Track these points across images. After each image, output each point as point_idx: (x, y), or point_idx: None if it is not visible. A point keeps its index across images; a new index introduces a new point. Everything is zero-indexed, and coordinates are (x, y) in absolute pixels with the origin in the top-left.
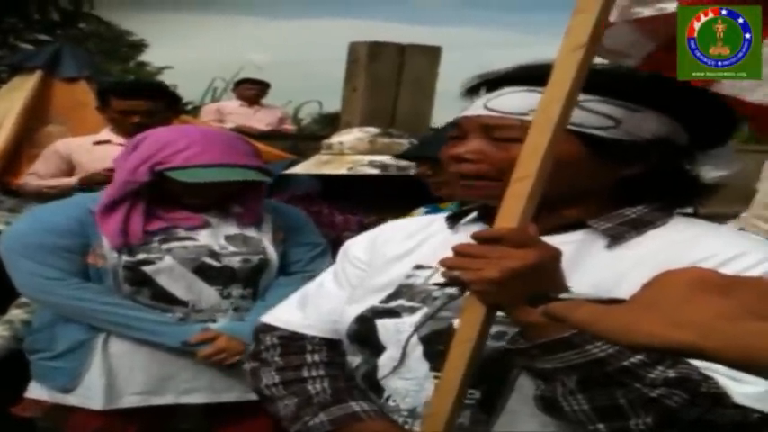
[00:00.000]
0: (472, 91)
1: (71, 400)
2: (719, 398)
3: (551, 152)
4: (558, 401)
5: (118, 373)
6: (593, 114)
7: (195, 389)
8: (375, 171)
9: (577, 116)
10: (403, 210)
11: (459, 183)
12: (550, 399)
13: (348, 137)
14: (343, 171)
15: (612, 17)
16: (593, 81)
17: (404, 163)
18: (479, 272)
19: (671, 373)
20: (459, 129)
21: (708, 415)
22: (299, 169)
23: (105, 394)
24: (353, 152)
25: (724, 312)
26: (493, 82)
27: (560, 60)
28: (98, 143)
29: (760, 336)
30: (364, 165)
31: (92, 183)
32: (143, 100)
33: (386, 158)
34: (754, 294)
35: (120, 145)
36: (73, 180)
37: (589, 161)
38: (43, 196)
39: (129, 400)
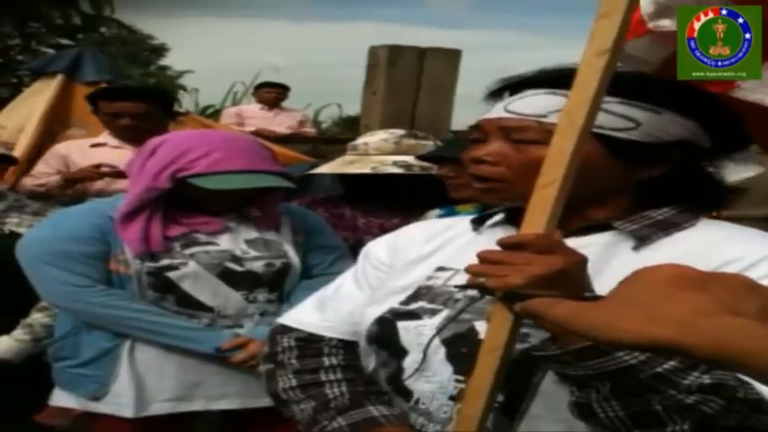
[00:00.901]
0: (495, 94)
1: (102, 408)
2: (757, 403)
3: (576, 157)
4: (593, 408)
5: (147, 380)
6: (613, 116)
7: (226, 394)
8: (399, 170)
9: (597, 118)
10: (426, 212)
11: (476, 185)
12: (585, 405)
13: (373, 138)
14: (367, 170)
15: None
16: (613, 82)
17: (428, 163)
18: (505, 278)
19: (706, 379)
20: (479, 131)
21: (746, 421)
22: (325, 169)
23: (136, 402)
24: (378, 153)
25: (701, 309)
26: (515, 85)
27: (584, 65)
28: (94, 146)
29: (735, 332)
30: (388, 164)
31: (76, 179)
32: (131, 102)
33: (410, 159)
34: (729, 290)
35: (116, 148)
36: (57, 177)
37: (609, 163)
38: (35, 196)
39: (160, 407)
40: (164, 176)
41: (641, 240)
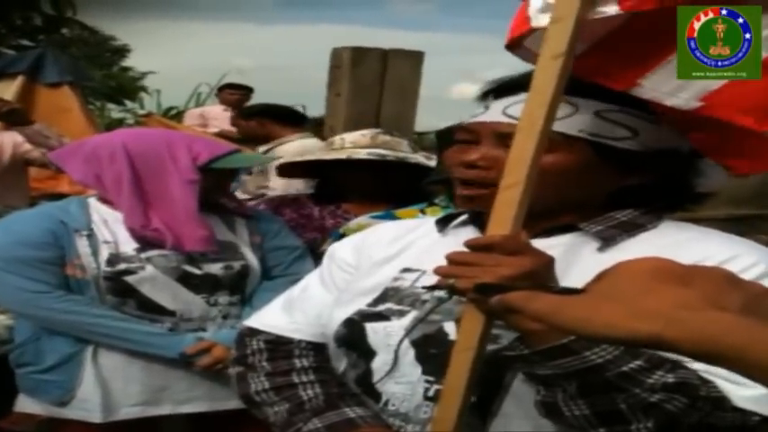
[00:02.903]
0: (483, 96)
1: (68, 413)
2: (719, 401)
3: (538, 158)
4: (559, 407)
5: (113, 384)
6: (612, 124)
7: (192, 398)
8: (372, 157)
9: (598, 126)
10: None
11: (463, 191)
12: (551, 404)
13: (351, 134)
14: (342, 156)
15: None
16: (613, 91)
17: (402, 154)
18: (474, 280)
19: (670, 378)
20: (469, 133)
21: (708, 419)
22: (301, 158)
23: (103, 407)
24: (354, 146)
25: (685, 302)
26: (507, 87)
27: (540, 68)
28: None
29: (722, 326)
30: (362, 155)
31: None
32: None
33: (383, 151)
34: (712, 284)
35: None
36: None
37: (597, 170)
38: None
39: (128, 412)
40: (191, 169)
41: (606, 241)
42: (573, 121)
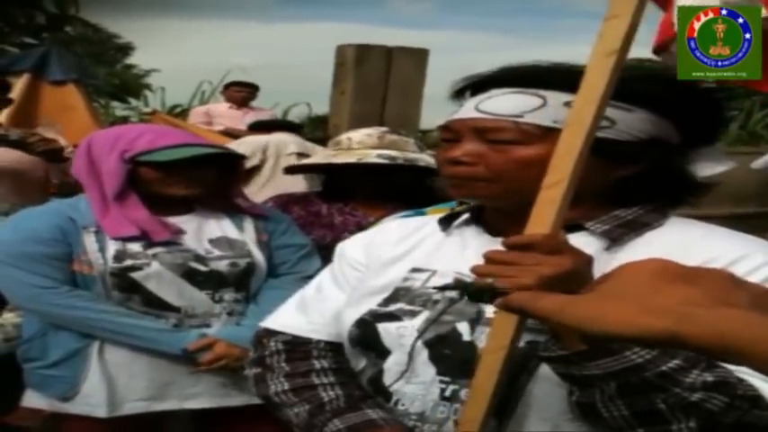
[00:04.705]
0: (459, 93)
1: (72, 408)
2: (756, 400)
3: (583, 156)
4: (597, 408)
5: (118, 380)
6: None
7: (198, 394)
8: (383, 161)
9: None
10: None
11: (452, 184)
12: (588, 405)
13: (357, 133)
14: (352, 160)
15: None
16: (578, 82)
17: (411, 155)
18: (514, 279)
19: (708, 377)
20: (450, 132)
21: (746, 417)
22: (310, 160)
23: (108, 402)
24: (362, 146)
25: (694, 300)
26: (479, 84)
27: (593, 65)
28: None
29: (735, 321)
30: (372, 156)
31: None
32: None
33: (393, 152)
34: (716, 284)
35: None
36: None
37: (587, 162)
38: None
39: (133, 407)
40: (115, 162)
41: (613, 241)
42: (544, 113)
